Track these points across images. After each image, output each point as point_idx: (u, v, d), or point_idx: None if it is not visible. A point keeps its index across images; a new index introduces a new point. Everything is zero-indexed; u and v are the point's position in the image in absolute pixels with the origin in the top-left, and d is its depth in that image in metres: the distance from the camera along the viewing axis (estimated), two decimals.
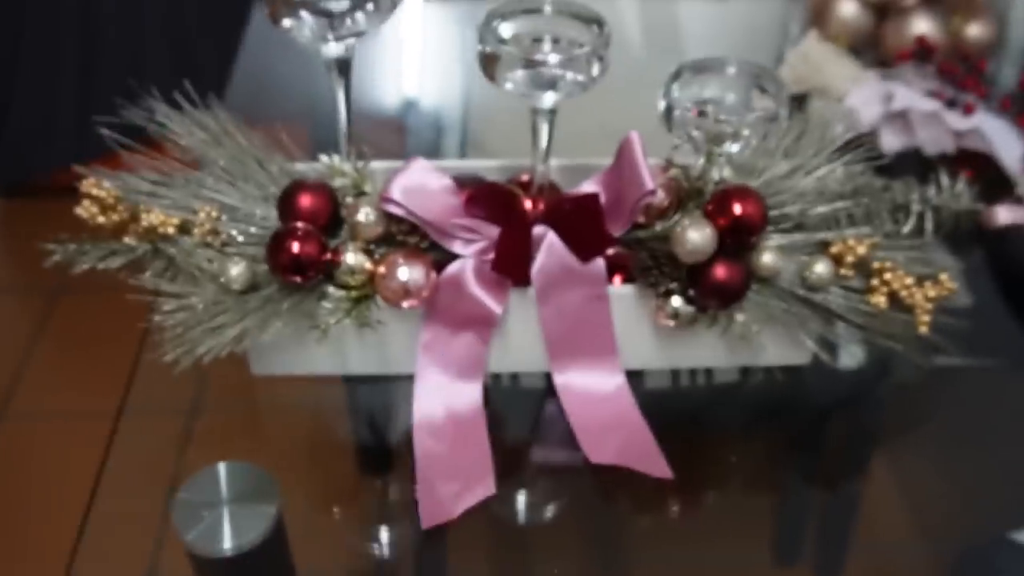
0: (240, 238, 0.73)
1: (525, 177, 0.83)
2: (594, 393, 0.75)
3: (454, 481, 0.69)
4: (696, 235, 0.68)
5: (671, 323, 0.72)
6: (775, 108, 0.73)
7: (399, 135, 1.15)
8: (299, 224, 0.70)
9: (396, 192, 0.70)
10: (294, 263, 0.68)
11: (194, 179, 0.76)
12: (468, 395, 0.74)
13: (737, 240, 0.69)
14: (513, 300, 0.73)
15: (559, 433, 0.75)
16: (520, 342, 0.76)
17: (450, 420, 0.72)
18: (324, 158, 0.75)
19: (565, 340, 0.75)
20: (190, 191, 0.75)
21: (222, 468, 0.57)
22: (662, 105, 0.74)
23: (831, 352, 0.76)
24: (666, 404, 0.79)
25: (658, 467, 0.70)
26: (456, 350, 0.73)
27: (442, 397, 0.73)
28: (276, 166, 0.77)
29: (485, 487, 0.68)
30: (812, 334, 0.75)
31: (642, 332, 0.77)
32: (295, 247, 0.68)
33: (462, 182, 0.79)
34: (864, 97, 1.03)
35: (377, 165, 0.78)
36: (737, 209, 0.69)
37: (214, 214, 0.73)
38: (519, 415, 0.78)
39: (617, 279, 0.77)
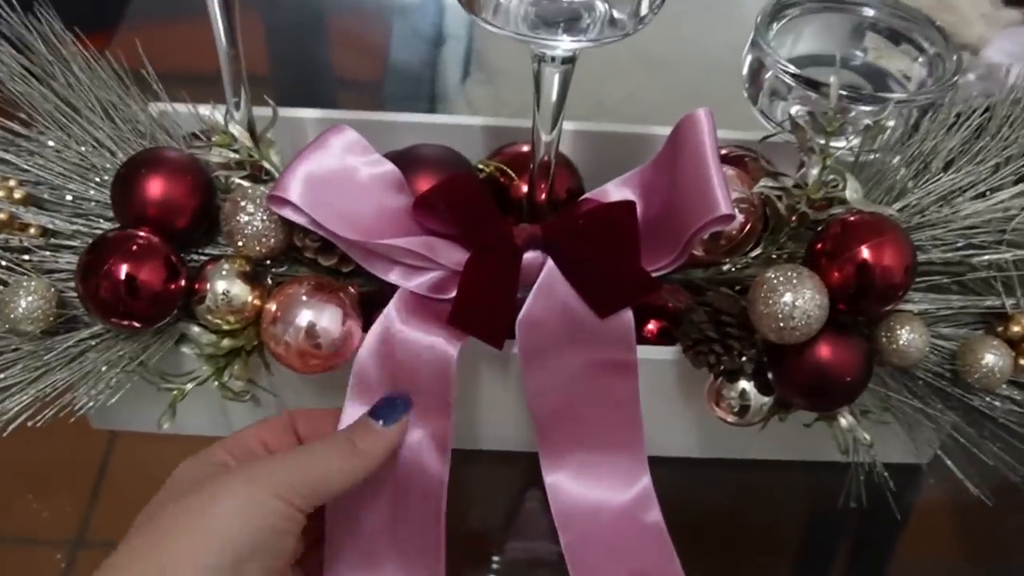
0: (57, 239, 0.46)
1: (525, 148, 0.55)
2: (602, 507, 0.49)
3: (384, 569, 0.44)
4: (797, 300, 0.40)
5: (730, 418, 0.45)
6: (938, 78, 0.44)
7: (379, 45, 0.86)
8: (137, 232, 0.42)
9: (295, 186, 0.42)
10: (118, 300, 0.41)
11: None
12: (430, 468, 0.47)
13: (859, 308, 0.42)
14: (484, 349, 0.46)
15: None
16: (493, 415, 0.50)
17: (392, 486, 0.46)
18: (192, 107, 0.47)
19: (563, 425, 0.48)
20: None
21: None
22: (747, 63, 0.45)
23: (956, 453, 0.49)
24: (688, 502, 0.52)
25: None
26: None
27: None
28: (133, 113, 0.49)
29: None
30: (944, 432, 0.48)
31: (683, 413, 0.50)
32: (121, 272, 0.41)
33: (420, 158, 0.51)
34: (1009, 48, 0.73)
35: (306, 114, 0.50)
36: (866, 256, 0.41)
37: (17, 193, 0.46)
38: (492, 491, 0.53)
39: (651, 324, 0.50)
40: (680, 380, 0.48)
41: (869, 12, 0.48)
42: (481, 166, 0.55)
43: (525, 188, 0.52)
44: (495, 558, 0.51)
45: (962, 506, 0.53)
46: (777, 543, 0.53)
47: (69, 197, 0.46)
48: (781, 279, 0.40)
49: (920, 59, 0.47)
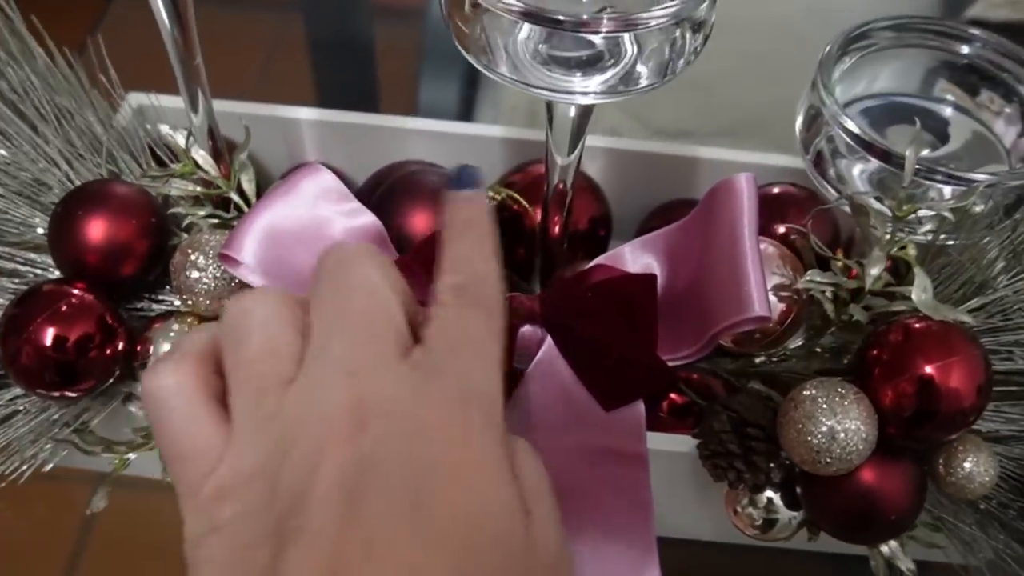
0: None
1: (543, 169, 0.47)
2: None
3: None
4: (837, 432, 0.33)
5: (751, 532, 0.39)
6: None
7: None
8: (68, 289, 0.36)
9: (250, 244, 0.36)
10: (43, 366, 0.35)
11: None
12: None
13: (915, 436, 0.34)
14: None
15: None
16: None
17: None
18: (164, 128, 0.41)
19: (563, 510, 0.42)
20: None
21: None
22: (801, 114, 0.37)
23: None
24: None
25: None
26: None
27: None
28: (90, 124, 0.43)
29: None
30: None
31: (698, 501, 0.44)
32: (46, 336, 0.35)
33: (413, 188, 0.45)
34: None
35: (303, 115, 0.45)
36: (930, 375, 0.33)
37: None
38: None
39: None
40: (698, 472, 0.41)
41: (964, 49, 0.39)
42: (491, 193, 0.48)
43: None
44: None
45: None
46: None
47: (14, 223, 0.41)
48: (821, 402, 0.33)
49: (1012, 111, 0.38)
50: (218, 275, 0.37)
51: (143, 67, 0.46)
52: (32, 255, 0.40)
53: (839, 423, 0.33)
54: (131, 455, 0.38)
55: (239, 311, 0.25)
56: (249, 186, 0.41)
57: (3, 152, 0.42)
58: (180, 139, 0.40)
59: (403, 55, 0.81)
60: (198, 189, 0.40)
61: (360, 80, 0.81)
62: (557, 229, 0.43)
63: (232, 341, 0.25)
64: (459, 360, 0.25)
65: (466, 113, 0.73)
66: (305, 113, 0.52)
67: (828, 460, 0.33)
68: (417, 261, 0.37)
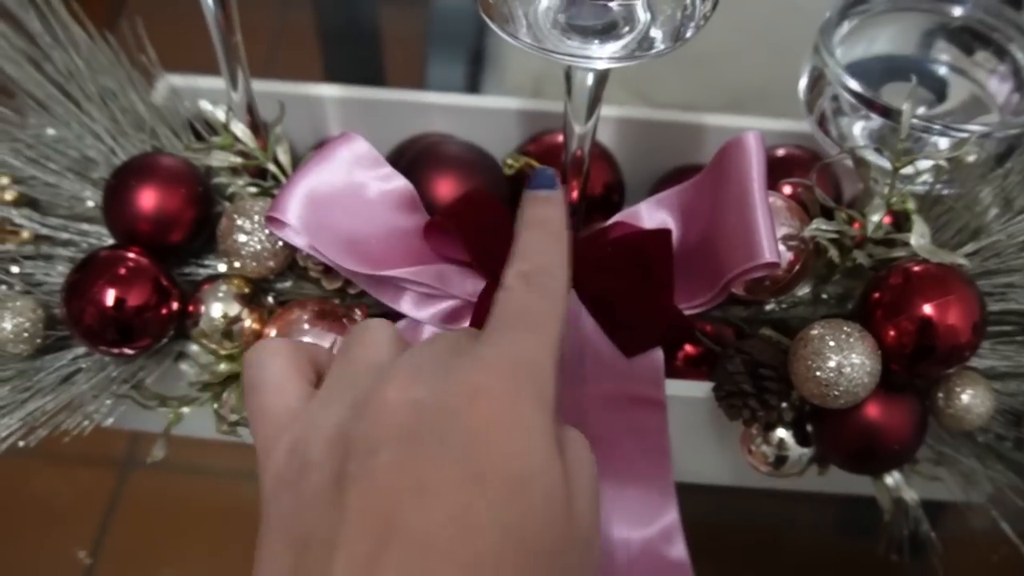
0: (49, 246, 0.43)
1: (561, 137, 0.50)
2: (625, 541, 0.46)
3: None
4: (844, 366, 0.36)
5: (764, 468, 0.41)
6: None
7: None
8: (125, 254, 0.39)
9: (294, 207, 0.38)
10: (104, 326, 0.38)
11: None
12: None
13: (916, 371, 0.37)
14: None
15: None
16: None
17: None
18: (204, 105, 0.43)
19: None
20: None
21: None
22: (805, 76, 0.39)
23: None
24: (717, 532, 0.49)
25: None
26: None
27: None
28: (132, 103, 0.45)
29: None
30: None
31: (716, 447, 0.46)
32: (107, 298, 0.38)
33: (440, 159, 0.47)
34: None
35: (326, 92, 0.47)
36: (928, 314, 0.36)
37: (8, 194, 0.43)
38: None
39: (687, 348, 0.46)
40: (714, 416, 0.44)
41: (957, 11, 0.42)
42: (510, 161, 0.51)
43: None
44: None
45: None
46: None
47: (64, 197, 0.44)
48: (828, 340, 0.36)
49: (1005, 70, 0.41)
50: (263, 238, 0.40)
51: (167, 47, 0.49)
52: (85, 226, 0.43)
53: (845, 358, 0.35)
54: (184, 409, 0.41)
55: (360, 328, 0.29)
56: (285, 157, 0.44)
57: (52, 131, 0.45)
58: (219, 114, 0.42)
59: (409, 41, 0.83)
60: (238, 160, 0.42)
61: (367, 64, 0.83)
62: (575, 194, 0.45)
63: (345, 345, 0.29)
64: (515, 334, 0.27)
65: (472, 92, 0.76)
66: (328, 90, 0.54)
67: (836, 393, 0.35)
68: (447, 219, 0.40)
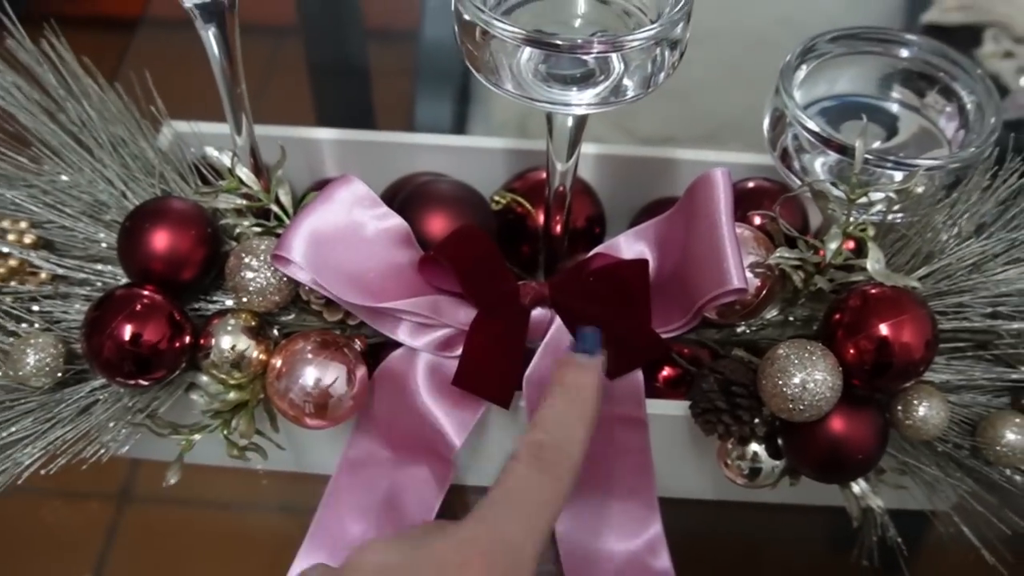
0: (66, 285, 0.46)
1: (544, 174, 0.53)
2: (611, 554, 0.48)
3: None
4: (808, 382, 0.39)
5: (740, 481, 0.44)
6: (977, 133, 0.41)
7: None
8: (141, 292, 0.42)
9: (298, 245, 0.41)
10: (122, 360, 0.41)
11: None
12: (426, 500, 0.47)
13: (876, 386, 0.40)
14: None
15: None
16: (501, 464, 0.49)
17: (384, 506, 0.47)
18: (210, 151, 0.46)
19: None
20: None
21: None
22: (768, 117, 0.43)
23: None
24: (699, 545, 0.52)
25: None
26: (394, 482, 0.47)
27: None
28: (142, 149, 0.48)
29: None
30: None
31: (696, 462, 0.49)
32: (125, 333, 0.41)
33: (431, 197, 0.50)
34: None
35: (323, 135, 0.49)
36: (884, 334, 0.39)
37: (27, 238, 0.46)
38: None
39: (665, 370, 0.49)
40: (692, 434, 0.47)
41: (904, 53, 0.45)
42: (497, 198, 0.54)
43: (543, 218, 0.51)
44: None
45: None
46: None
47: (79, 239, 0.46)
48: (793, 358, 0.39)
49: (952, 108, 0.44)
50: (268, 274, 0.42)
51: (169, 95, 0.52)
52: (99, 266, 0.46)
53: (809, 375, 0.38)
54: (196, 436, 0.44)
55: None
56: (286, 198, 0.47)
57: (66, 177, 0.48)
58: (225, 159, 0.46)
59: (396, 76, 0.86)
60: (242, 202, 0.45)
61: (357, 100, 0.86)
62: (559, 228, 0.49)
63: None
64: (507, 513, 0.28)
65: (459, 129, 0.79)
66: (325, 133, 0.58)
67: (802, 407, 0.39)
68: (440, 254, 0.43)
